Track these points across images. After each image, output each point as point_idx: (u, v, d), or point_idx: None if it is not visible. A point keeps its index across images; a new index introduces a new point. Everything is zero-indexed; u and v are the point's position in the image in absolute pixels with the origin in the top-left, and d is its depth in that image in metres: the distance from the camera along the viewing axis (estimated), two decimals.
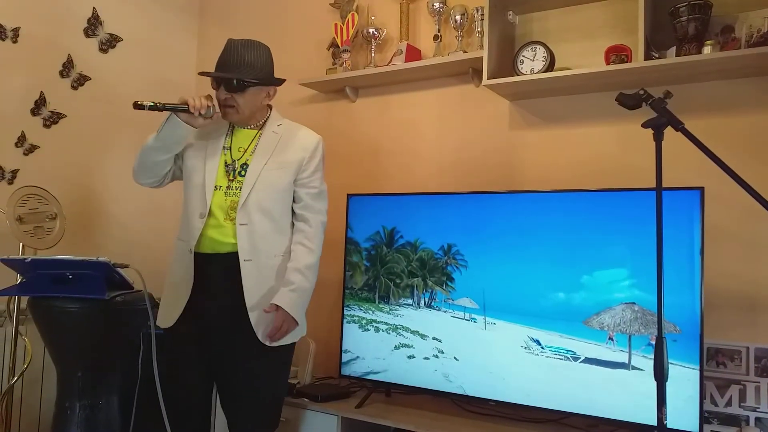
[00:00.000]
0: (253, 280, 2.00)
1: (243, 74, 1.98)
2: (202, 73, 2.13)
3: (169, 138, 1.99)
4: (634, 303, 2.07)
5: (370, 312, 2.58)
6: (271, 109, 2.17)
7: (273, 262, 2.04)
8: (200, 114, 1.94)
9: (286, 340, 2.04)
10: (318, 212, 2.12)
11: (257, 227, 2.01)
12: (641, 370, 2.03)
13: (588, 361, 2.13)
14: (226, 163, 2.06)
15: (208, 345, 2.04)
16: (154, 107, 1.90)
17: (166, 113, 1.97)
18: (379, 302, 2.56)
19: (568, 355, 2.16)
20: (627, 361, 2.07)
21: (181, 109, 1.94)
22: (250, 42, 2.04)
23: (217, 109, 2.00)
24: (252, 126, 2.12)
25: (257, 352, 2.00)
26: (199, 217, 2.02)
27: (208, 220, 2.01)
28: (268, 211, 2.03)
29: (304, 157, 2.09)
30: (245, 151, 2.08)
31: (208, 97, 1.98)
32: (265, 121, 2.13)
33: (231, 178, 2.05)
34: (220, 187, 2.04)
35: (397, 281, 2.52)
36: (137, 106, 1.89)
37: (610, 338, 2.10)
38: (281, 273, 2.04)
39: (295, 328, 2.02)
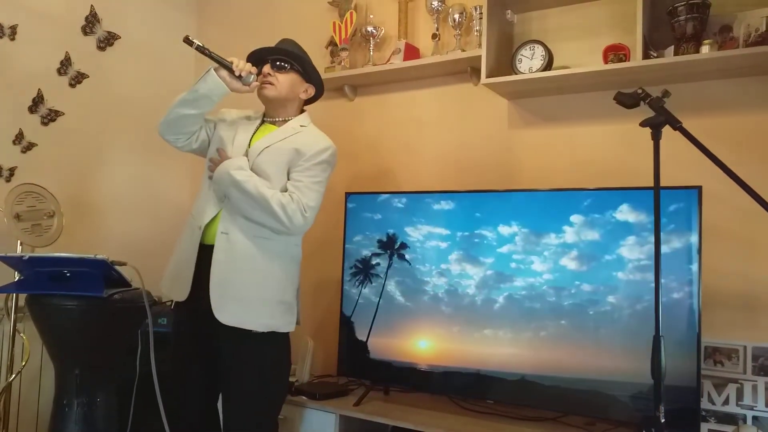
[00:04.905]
0: (224, 254, 1.99)
1: (291, 57, 2.09)
2: (256, 51, 2.12)
3: (202, 90, 1.97)
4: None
5: None
6: (302, 113, 2.20)
7: (249, 242, 2.00)
8: (240, 77, 1.96)
9: (263, 327, 2.00)
10: (300, 198, 2.00)
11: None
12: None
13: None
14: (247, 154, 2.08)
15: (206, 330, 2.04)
16: (201, 48, 1.92)
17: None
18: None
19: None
20: None
21: (225, 64, 1.96)
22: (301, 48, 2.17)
23: (257, 81, 2.03)
24: (279, 121, 2.15)
25: (240, 341, 2.00)
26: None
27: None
28: None
29: (305, 153, 2.05)
30: None
31: (253, 67, 2.01)
32: (291, 119, 2.16)
33: None
34: None
35: None
36: (187, 40, 1.91)
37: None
38: (255, 258, 2.01)
39: (216, 171, 2.02)
